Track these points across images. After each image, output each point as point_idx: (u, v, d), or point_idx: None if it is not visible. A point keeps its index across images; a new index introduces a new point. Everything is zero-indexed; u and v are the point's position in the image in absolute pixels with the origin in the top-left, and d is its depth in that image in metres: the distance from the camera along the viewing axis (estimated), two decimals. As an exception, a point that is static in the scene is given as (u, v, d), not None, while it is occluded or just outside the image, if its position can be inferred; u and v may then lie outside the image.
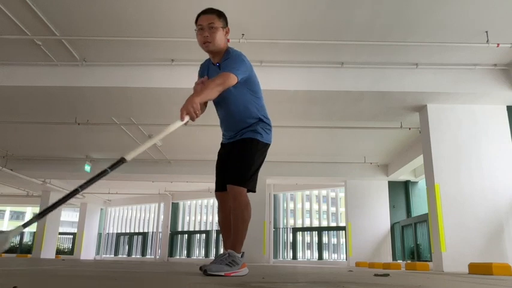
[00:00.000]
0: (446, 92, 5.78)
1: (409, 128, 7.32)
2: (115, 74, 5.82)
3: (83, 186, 1.98)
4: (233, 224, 2.44)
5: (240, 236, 2.42)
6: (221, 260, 2.30)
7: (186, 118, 2.20)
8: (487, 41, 4.96)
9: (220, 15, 2.55)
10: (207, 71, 2.67)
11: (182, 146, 9.40)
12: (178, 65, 5.73)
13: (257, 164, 2.53)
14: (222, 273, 2.21)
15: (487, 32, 4.92)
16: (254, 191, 2.51)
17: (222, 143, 2.79)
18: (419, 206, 10.20)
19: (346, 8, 4.57)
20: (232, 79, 2.35)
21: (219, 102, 2.63)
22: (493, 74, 5.76)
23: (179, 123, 2.20)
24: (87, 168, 10.29)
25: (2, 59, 5.69)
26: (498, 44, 5.00)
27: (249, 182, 2.46)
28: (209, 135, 8.40)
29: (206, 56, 2.72)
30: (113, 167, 1.99)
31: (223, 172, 2.57)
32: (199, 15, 2.56)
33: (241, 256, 2.40)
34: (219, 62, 2.55)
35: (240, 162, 2.48)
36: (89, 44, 5.34)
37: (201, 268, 2.36)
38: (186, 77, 5.78)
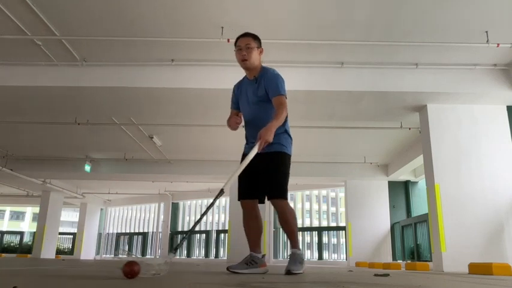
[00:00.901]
0: (446, 92, 5.78)
1: (409, 128, 7.32)
2: (115, 74, 5.82)
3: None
4: (289, 229, 2.90)
5: (297, 236, 2.92)
6: (295, 260, 2.79)
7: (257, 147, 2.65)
8: (487, 41, 4.95)
9: (255, 38, 3.00)
10: (241, 87, 3.10)
11: (182, 146, 9.40)
12: (178, 65, 5.73)
13: (289, 175, 2.94)
14: (301, 271, 2.73)
15: (487, 32, 4.92)
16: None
17: (244, 153, 3.01)
18: (419, 206, 10.19)
19: (346, 8, 4.57)
20: (285, 100, 2.84)
21: (250, 113, 3.01)
22: (493, 74, 5.75)
23: (255, 151, 2.63)
24: (87, 168, 10.29)
25: (2, 59, 5.68)
26: (498, 44, 5.00)
27: (287, 192, 2.89)
28: (209, 135, 8.41)
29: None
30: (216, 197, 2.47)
31: (254, 182, 2.89)
32: (238, 38, 2.99)
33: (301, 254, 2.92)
34: (255, 76, 2.98)
35: (279, 178, 2.86)
36: (89, 44, 5.34)
37: (228, 268, 2.78)
38: (186, 77, 5.81)
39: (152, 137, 8.59)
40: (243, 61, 2.93)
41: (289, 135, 2.99)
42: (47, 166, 10.86)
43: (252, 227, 2.98)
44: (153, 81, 5.79)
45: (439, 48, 5.28)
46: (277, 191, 2.84)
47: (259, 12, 4.68)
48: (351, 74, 5.77)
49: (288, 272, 2.69)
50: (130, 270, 1.79)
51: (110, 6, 4.58)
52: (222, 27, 4.88)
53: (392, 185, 10.76)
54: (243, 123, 3.13)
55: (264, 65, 3.06)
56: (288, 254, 2.99)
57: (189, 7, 4.56)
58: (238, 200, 2.98)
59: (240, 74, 6.00)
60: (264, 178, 2.85)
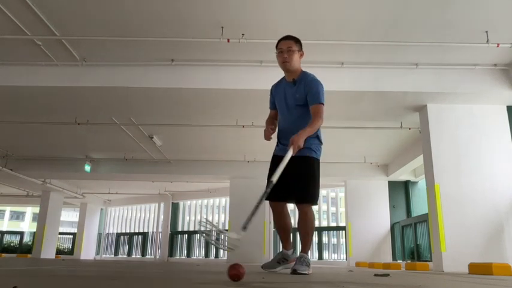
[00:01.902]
0: (446, 92, 5.78)
1: (409, 128, 7.32)
2: (115, 74, 5.82)
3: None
4: (304, 233, 2.99)
5: (311, 241, 3.04)
6: (302, 262, 2.84)
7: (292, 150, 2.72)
8: (487, 41, 4.95)
9: (297, 41, 3.04)
10: (278, 88, 3.14)
11: (182, 146, 9.40)
12: (178, 65, 5.73)
13: (319, 180, 3.01)
14: (307, 272, 2.78)
15: (487, 32, 4.92)
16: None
17: (275, 154, 3.10)
18: (419, 206, 10.19)
19: (346, 8, 4.57)
20: (323, 109, 2.91)
21: (285, 115, 3.06)
22: (493, 74, 5.75)
23: (289, 155, 2.69)
24: (87, 168, 10.29)
25: (2, 59, 5.68)
26: (498, 44, 5.00)
27: (318, 198, 3.00)
28: (209, 135, 8.41)
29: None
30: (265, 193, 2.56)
31: (283, 185, 2.84)
32: (279, 41, 3.04)
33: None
34: (295, 78, 3.02)
35: (311, 183, 2.95)
36: (89, 44, 5.33)
37: (263, 267, 3.04)
38: (186, 77, 5.81)
39: (152, 137, 8.59)
40: (284, 63, 2.99)
41: (320, 141, 3.06)
42: (47, 166, 10.86)
43: (282, 227, 3.13)
44: (153, 81, 5.79)
45: (439, 48, 5.28)
46: (307, 196, 2.94)
47: (259, 12, 4.68)
48: (351, 74, 5.76)
49: (294, 271, 2.75)
50: (238, 272, 1.75)
51: (109, 6, 4.58)
52: (222, 27, 4.88)
53: (392, 185, 10.76)
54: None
55: (303, 69, 3.10)
56: (296, 256, 3.05)
57: (189, 7, 4.56)
58: (267, 199, 2.94)
59: (239, 74, 6.00)
60: (294, 182, 2.91)
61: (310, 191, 2.94)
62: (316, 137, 3.00)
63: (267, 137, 3.06)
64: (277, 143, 3.14)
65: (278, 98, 3.11)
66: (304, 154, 2.90)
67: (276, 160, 2.98)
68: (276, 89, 3.16)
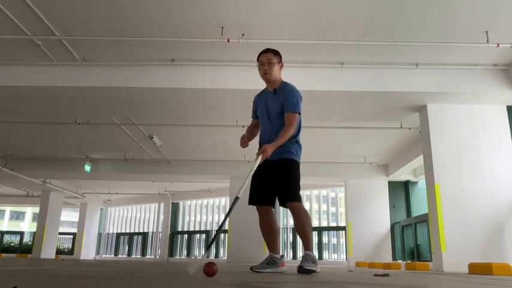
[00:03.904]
0: (446, 92, 5.78)
1: (409, 128, 7.32)
2: (115, 74, 5.82)
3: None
4: (301, 230, 3.04)
5: (310, 238, 3.05)
6: (307, 259, 2.89)
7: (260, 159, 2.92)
8: (487, 41, 4.95)
9: (276, 53, 3.26)
10: (260, 98, 3.35)
11: (182, 146, 9.40)
12: (178, 65, 5.73)
13: (299, 180, 3.12)
14: (314, 268, 2.82)
15: (487, 32, 4.92)
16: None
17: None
18: (419, 206, 10.19)
19: (346, 8, 4.57)
20: (297, 118, 3.09)
21: (266, 124, 3.23)
22: (493, 74, 5.75)
23: (257, 164, 2.89)
24: (87, 168, 10.29)
25: (2, 59, 5.68)
26: (498, 44, 4.99)
27: (300, 196, 3.09)
28: (209, 135, 8.41)
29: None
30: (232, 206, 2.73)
31: (267, 189, 3.11)
32: (260, 54, 3.26)
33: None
34: (276, 88, 3.23)
35: (292, 183, 3.06)
36: (89, 44, 5.33)
37: (251, 268, 3.03)
38: (186, 77, 5.81)
39: (152, 137, 8.59)
40: (265, 74, 3.21)
41: (299, 144, 3.21)
42: (47, 166, 10.86)
43: (268, 231, 3.21)
44: (153, 81, 5.79)
45: (439, 48, 5.28)
46: (288, 195, 3.03)
47: (259, 12, 4.68)
48: (351, 74, 5.76)
49: (300, 268, 2.82)
50: (210, 269, 2.02)
51: (109, 6, 4.58)
52: (222, 27, 4.88)
53: (392, 185, 10.76)
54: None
55: (284, 80, 3.30)
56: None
57: (189, 7, 4.56)
58: (249, 204, 3.15)
59: (239, 74, 6.00)
60: (277, 184, 3.07)
61: (291, 190, 3.05)
62: (296, 141, 3.16)
63: (244, 144, 3.21)
64: (259, 147, 3.23)
65: (260, 108, 3.29)
66: (285, 157, 3.07)
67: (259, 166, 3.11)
68: (258, 99, 3.36)
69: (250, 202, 3.16)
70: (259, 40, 5.03)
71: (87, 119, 7.45)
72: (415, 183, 10.71)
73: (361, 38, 5.10)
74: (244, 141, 3.21)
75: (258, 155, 2.95)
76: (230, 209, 2.76)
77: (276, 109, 3.15)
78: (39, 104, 6.54)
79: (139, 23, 4.90)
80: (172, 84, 5.80)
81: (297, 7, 4.59)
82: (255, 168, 2.87)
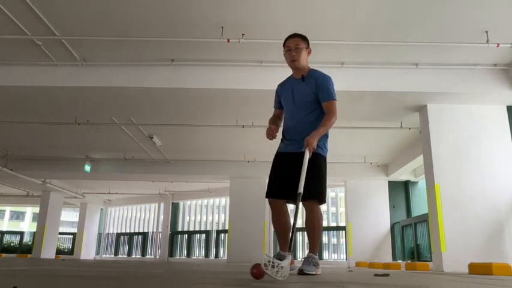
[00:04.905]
0: (446, 92, 5.78)
1: (409, 128, 7.32)
2: (115, 74, 5.81)
3: None
4: (311, 232, 2.92)
5: (319, 240, 2.94)
6: (309, 262, 2.79)
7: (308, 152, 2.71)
8: (487, 41, 4.95)
9: (304, 38, 3.03)
10: (285, 86, 3.11)
11: (182, 146, 9.40)
12: (178, 65, 5.73)
13: (326, 177, 2.92)
14: (314, 272, 2.73)
15: (487, 32, 4.92)
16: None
17: (280, 152, 3.03)
18: (419, 206, 10.19)
19: (346, 8, 4.57)
20: (336, 105, 2.91)
21: (292, 112, 3.02)
22: (493, 74, 5.75)
23: (307, 158, 2.68)
24: (87, 168, 10.29)
25: (2, 59, 5.68)
26: (498, 44, 4.99)
27: (325, 196, 2.90)
28: (209, 135, 8.41)
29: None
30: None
31: (287, 183, 2.79)
32: (287, 39, 3.03)
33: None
34: (304, 75, 3.01)
35: (318, 181, 2.84)
36: (89, 44, 5.33)
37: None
38: (186, 77, 5.80)
39: (152, 137, 8.59)
40: (293, 61, 2.99)
41: (327, 135, 3.00)
42: (47, 166, 10.86)
43: (282, 226, 2.97)
44: (153, 81, 5.79)
45: (439, 48, 5.28)
46: (316, 194, 2.82)
47: (259, 12, 4.68)
48: (351, 74, 5.76)
49: (301, 271, 2.72)
50: (258, 271, 1.98)
51: (109, 6, 4.58)
52: (222, 27, 4.88)
53: (392, 185, 10.76)
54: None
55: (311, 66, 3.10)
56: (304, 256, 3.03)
57: (189, 7, 4.56)
58: (266, 197, 2.94)
59: (239, 74, 6.00)
60: (305, 179, 2.81)
61: (318, 188, 2.83)
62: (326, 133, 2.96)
63: (272, 136, 2.96)
64: (282, 140, 3.08)
65: (285, 96, 3.07)
66: (314, 151, 2.83)
67: (280, 158, 2.96)
68: (283, 87, 3.14)
69: (270, 195, 2.92)
70: (259, 40, 5.03)
71: (87, 119, 7.45)
72: (415, 183, 10.71)
73: (361, 38, 5.10)
74: (272, 133, 2.94)
75: (304, 149, 2.71)
76: (297, 207, 2.53)
77: (306, 96, 2.95)
78: (39, 104, 6.54)
79: (139, 23, 4.90)
80: (172, 84, 5.80)
81: (297, 7, 4.58)
82: (306, 163, 2.65)
